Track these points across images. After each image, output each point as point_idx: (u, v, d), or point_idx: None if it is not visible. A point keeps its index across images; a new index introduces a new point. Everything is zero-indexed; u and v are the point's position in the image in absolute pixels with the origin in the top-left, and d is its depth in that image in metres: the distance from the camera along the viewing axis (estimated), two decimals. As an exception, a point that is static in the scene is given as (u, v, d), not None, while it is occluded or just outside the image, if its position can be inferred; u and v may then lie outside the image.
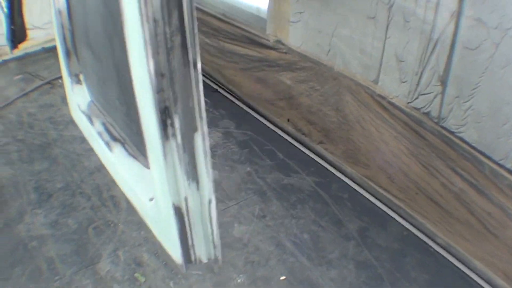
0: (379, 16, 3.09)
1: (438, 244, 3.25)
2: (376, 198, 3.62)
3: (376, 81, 3.28)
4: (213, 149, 4.27)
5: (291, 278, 3.09)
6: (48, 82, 5.23)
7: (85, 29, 1.85)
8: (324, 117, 3.86)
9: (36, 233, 3.41)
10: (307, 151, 4.18)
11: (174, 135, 1.31)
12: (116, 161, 1.90)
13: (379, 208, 3.58)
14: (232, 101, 4.98)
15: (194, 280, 3.09)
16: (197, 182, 1.42)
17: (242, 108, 4.85)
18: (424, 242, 3.31)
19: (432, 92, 2.92)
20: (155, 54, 1.18)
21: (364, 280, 3.08)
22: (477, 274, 3.05)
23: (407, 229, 3.40)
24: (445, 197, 3.05)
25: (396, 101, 3.18)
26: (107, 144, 1.94)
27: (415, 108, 3.07)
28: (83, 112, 2.07)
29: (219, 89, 5.16)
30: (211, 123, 4.61)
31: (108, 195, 3.69)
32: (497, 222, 2.78)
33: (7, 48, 4.62)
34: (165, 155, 1.34)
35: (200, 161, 1.40)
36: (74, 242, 3.35)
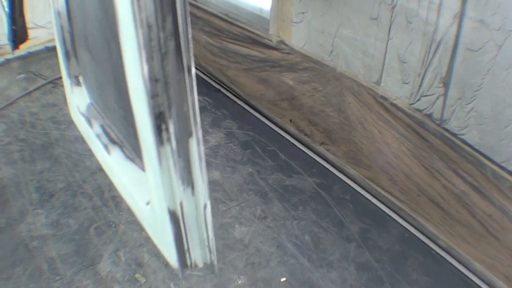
0: (381, 17, 3.08)
1: (439, 246, 3.24)
2: (378, 199, 3.61)
3: (378, 82, 3.27)
4: (215, 149, 4.28)
5: (291, 280, 3.09)
6: (51, 82, 5.24)
7: (84, 31, 1.85)
8: (327, 118, 3.85)
9: (37, 233, 3.41)
10: (309, 152, 4.18)
11: (169, 140, 1.31)
12: (114, 164, 1.90)
13: (381, 209, 3.57)
14: (234, 101, 4.97)
15: (195, 281, 3.08)
16: (192, 187, 1.42)
17: (245, 109, 4.85)
18: (426, 244, 3.30)
19: (434, 94, 2.91)
20: (149, 59, 1.18)
21: (365, 282, 3.08)
22: (477, 276, 3.05)
23: (409, 231, 3.40)
24: (446, 199, 3.05)
25: (398, 102, 3.17)
26: (105, 146, 1.94)
27: (417, 110, 3.06)
28: (82, 114, 2.07)
29: (222, 89, 5.15)
30: (214, 123, 4.62)
31: (109, 195, 3.69)
32: (498, 224, 2.78)
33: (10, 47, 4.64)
34: (160, 160, 1.34)
35: (195, 166, 1.39)
36: (75, 242, 3.35)
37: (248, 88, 4.76)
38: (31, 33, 4.66)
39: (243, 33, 4.46)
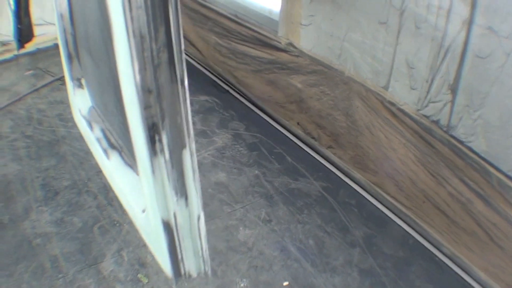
0: (390, 22, 3.08)
1: (443, 253, 3.24)
2: (383, 205, 3.61)
3: (386, 87, 3.27)
4: (222, 150, 4.29)
5: (294, 284, 3.09)
6: (59, 79, 5.26)
7: (85, 34, 1.86)
8: (334, 122, 3.85)
9: (41, 231, 3.42)
10: (316, 155, 4.18)
11: (162, 151, 1.32)
12: (112, 169, 1.91)
13: (386, 215, 3.57)
14: (242, 102, 4.98)
15: (197, 283, 3.09)
16: (186, 198, 1.43)
17: (253, 110, 4.86)
18: (430, 251, 3.30)
19: (442, 100, 2.91)
20: (142, 69, 1.18)
21: (368, 288, 3.09)
22: (481, 285, 3.04)
23: (413, 237, 3.39)
24: (452, 207, 3.04)
25: (405, 108, 3.17)
26: (105, 151, 1.95)
27: (425, 116, 3.05)
28: (84, 117, 2.08)
29: (230, 90, 5.17)
30: (221, 124, 4.63)
31: (114, 194, 3.68)
32: (502, 233, 2.77)
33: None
34: (153, 170, 1.34)
35: (189, 178, 1.40)
36: (79, 241, 3.36)
37: (256, 90, 4.77)
38: (40, 29, 4.70)
39: (252, 34, 4.47)
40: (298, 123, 4.33)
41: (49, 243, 3.33)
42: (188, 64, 5.76)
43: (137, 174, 1.65)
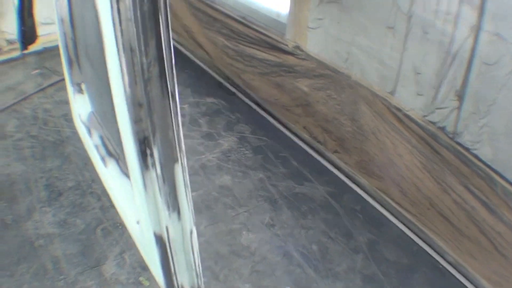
0: (398, 26, 3.07)
1: (447, 261, 3.22)
2: (388, 211, 3.60)
3: (392, 93, 3.26)
4: (227, 153, 4.29)
5: (296, 290, 3.09)
6: (65, 79, 5.27)
7: (85, 39, 1.85)
8: (340, 126, 3.85)
9: (44, 232, 3.43)
10: (321, 160, 4.17)
11: (154, 165, 1.32)
12: (109, 177, 1.90)
13: (391, 221, 3.55)
14: (249, 105, 4.98)
15: (198, 288, 3.09)
16: (178, 213, 1.43)
17: (259, 113, 4.85)
18: (434, 258, 3.28)
19: (448, 107, 2.90)
20: (133, 83, 1.17)
21: (370, 295, 3.08)
22: (484, 293, 3.04)
23: (417, 244, 3.38)
24: (456, 214, 3.03)
25: (412, 114, 3.16)
26: (103, 158, 1.95)
27: (431, 122, 3.04)
28: (83, 123, 2.08)
29: (237, 93, 5.17)
30: (227, 127, 4.63)
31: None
32: (506, 242, 2.75)
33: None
34: (145, 184, 1.34)
35: (181, 193, 1.40)
36: (81, 243, 3.36)
37: (263, 93, 4.77)
38: (48, 28, 4.70)
39: (259, 37, 4.47)
40: (304, 127, 4.33)
41: (52, 244, 3.34)
42: (196, 66, 5.78)
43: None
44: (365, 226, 3.51)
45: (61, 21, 1.83)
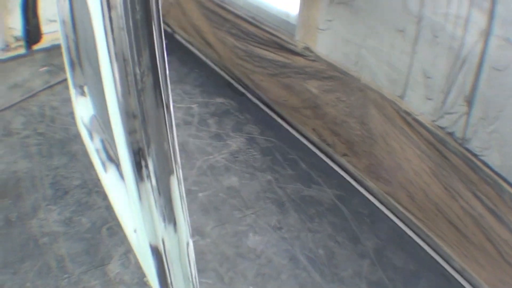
0: (408, 30, 3.08)
1: (453, 267, 3.23)
2: (396, 216, 3.61)
3: (402, 96, 3.27)
4: (235, 154, 4.30)
5: (301, 294, 3.11)
6: (74, 76, 5.30)
7: (85, 42, 1.86)
8: (349, 129, 3.86)
9: (49, 230, 3.45)
10: (330, 163, 4.18)
11: (149, 177, 1.31)
12: (109, 183, 1.91)
13: (398, 226, 3.56)
14: (258, 106, 4.99)
15: (204, 291, 3.12)
16: (175, 225, 1.43)
17: (268, 114, 4.87)
18: (440, 264, 3.29)
19: (457, 112, 2.91)
20: (126, 94, 1.17)
21: (376, 301, 3.09)
22: (489, 300, 3.04)
23: (424, 250, 3.39)
24: (463, 221, 3.04)
25: (421, 118, 3.17)
26: (103, 163, 1.95)
27: (440, 127, 3.06)
28: (85, 126, 2.09)
29: (247, 93, 5.18)
30: (236, 128, 4.64)
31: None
32: (512, 250, 2.77)
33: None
34: (140, 196, 1.34)
35: (177, 205, 1.40)
36: (86, 242, 3.39)
37: (272, 94, 4.78)
38: (56, 26, 4.73)
39: (269, 37, 4.48)
40: (313, 129, 4.34)
41: (56, 242, 3.36)
42: (205, 66, 5.79)
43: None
44: (372, 231, 3.53)
45: (63, 23, 1.85)
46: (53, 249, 3.32)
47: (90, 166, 3.93)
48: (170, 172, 1.33)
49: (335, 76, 3.82)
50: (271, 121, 4.78)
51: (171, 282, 1.53)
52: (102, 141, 2.02)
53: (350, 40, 3.57)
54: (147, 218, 1.39)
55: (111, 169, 1.95)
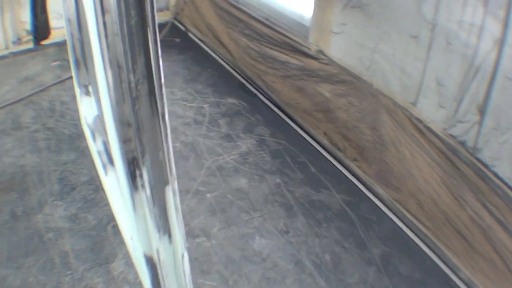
0: (422, 36, 3.09)
1: (460, 278, 3.22)
2: (404, 223, 3.60)
3: (414, 103, 3.28)
4: (245, 156, 4.31)
5: (305, 300, 3.12)
6: (85, 71, 5.32)
7: (90, 42, 1.86)
8: (360, 135, 3.86)
9: (54, 225, 3.48)
10: (340, 167, 4.19)
11: (143, 187, 1.29)
12: (109, 186, 1.91)
13: (406, 234, 3.56)
14: (270, 107, 5.00)
15: (207, 292, 3.13)
16: (169, 236, 1.42)
17: (279, 116, 4.88)
18: (446, 274, 3.29)
19: (469, 121, 2.90)
20: (120, 101, 1.15)
21: (381, 309, 3.09)
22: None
23: (431, 259, 3.39)
24: (472, 231, 3.03)
25: (433, 126, 3.17)
26: (104, 166, 1.94)
27: (452, 136, 3.05)
28: (88, 126, 2.08)
29: (259, 94, 5.19)
30: (246, 129, 4.66)
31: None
32: (520, 264, 2.77)
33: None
34: (134, 206, 1.33)
35: (172, 217, 1.39)
36: (91, 239, 3.41)
37: (284, 96, 4.79)
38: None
39: (282, 39, 4.49)
40: (324, 133, 4.35)
41: (61, 238, 3.39)
42: (218, 65, 5.81)
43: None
44: (380, 238, 3.53)
45: (68, 21, 1.84)
46: (58, 245, 3.34)
47: (98, 163, 3.96)
48: (166, 183, 1.32)
49: (347, 81, 3.83)
50: (282, 123, 4.79)
51: None
52: (104, 143, 2.01)
53: (364, 44, 3.57)
54: (142, 227, 1.38)
55: (112, 172, 1.94)
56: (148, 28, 1.08)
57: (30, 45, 5.64)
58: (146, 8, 1.06)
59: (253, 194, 3.90)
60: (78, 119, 4.47)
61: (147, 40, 1.09)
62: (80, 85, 2.09)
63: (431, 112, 3.17)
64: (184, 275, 1.51)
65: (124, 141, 1.20)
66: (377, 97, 3.57)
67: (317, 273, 3.26)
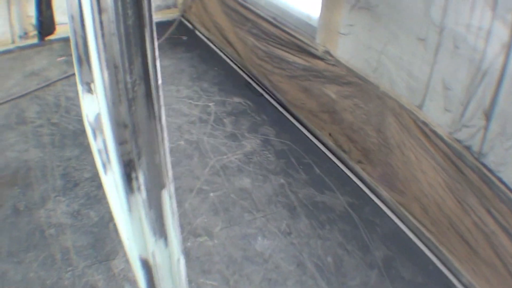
0: (429, 39, 3.08)
1: (462, 283, 3.21)
2: (408, 227, 3.60)
3: (420, 106, 3.27)
4: (249, 155, 4.32)
5: (306, 301, 3.11)
6: (91, 67, 5.33)
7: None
8: (365, 137, 3.86)
9: (56, 221, 3.49)
10: (344, 169, 4.18)
11: (139, 189, 1.29)
12: (108, 185, 1.90)
13: (409, 237, 3.55)
14: (275, 107, 5.01)
15: (208, 292, 3.13)
16: (165, 239, 1.41)
17: (285, 116, 4.88)
18: (448, 279, 3.28)
19: (475, 126, 2.90)
20: (117, 102, 1.14)
21: (382, 313, 3.09)
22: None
23: (433, 263, 3.37)
24: (475, 236, 3.03)
25: (438, 130, 3.17)
26: (104, 165, 1.94)
27: (457, 140, 3.05)
28: (90, 124, 2.08)
29: (264, 94, 5.20)
30: (251, 128, 4.66)
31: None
32: (522, 270, 2.76)
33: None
34: (130, 208, 1.32)
35: (168, 221, 1.38)
36: (93, 235, 3.42)
37: (290, 96, 4.80)
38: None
39: (289, 39, 4.50)
40: (330, 134, 4.35)
41: (63, 234, 3.40)
42: (225, 64, 5.82)
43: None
44: (382, 241, 3.52)
45: (72, 18, 1.85)
46: (59, 241, 3.35)
47: (102, 159, 3.96)
48: (162, 186, 1.32)
49: (354, 82, 3.83)
50: (287, 124, 4.79)
51: None
52: (104, 142, 2.00)
53: (371, 46, 3.57)
54: (137, 230, 1.37)
55: (111, 172, 1.93)
56: (145, 28, 1.07)
57: (35, 40, 5.65)
58: (144, 8, 1.05)
59: (257, 194, 3.90)
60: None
61: (144, 40, 1.08)
62: (82, 83, 2.10)
63: (437, 115, 3.17)
64: (180, 279, 1.50)
65: (120, 142, 1.20)
66: (383, 100, 3.57)
67: (319, 275, 3.25)
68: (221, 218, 3.63)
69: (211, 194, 3.84)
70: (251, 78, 5.44)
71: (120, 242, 3.29)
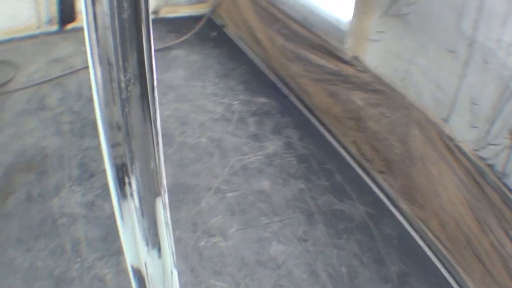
0: (459, 51, 3.08)
1: (475, 305, 3.22)
2: (425, 242, 3.59)
3: (446, 120, 3.27)
4: (271, 157, 4.33)
5: (315, 311, 3.12)
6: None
7: None
8: (389, 147, 3.86)
9: (69, 211, 3.54)
10: (366, 178, 4.18)
11: (132, 196, 1.25)
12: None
13: (425, 253, 3.54)
14: (300, 110, 5.02)
15: (217, 292, 3.15)
16: (159, 250, 1.37)
17: (309, 119, 4.89)
18: (462, 300, 3.27)
19: (500, 144, 2.89)
20: (110, 102, 1.10)
21: (392, 329, 3.09)
22: None
23: (448, 282, 3.36)
24: (492, 259, 3.02)
25: (463, 145, 3.16)
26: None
27: (481, 158, 3.04)
28: None
29: (290, 95, 5.21)
30: (275, 130, 4.67)
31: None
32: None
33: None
34: (122, 215, 1.29)
35: (161, 231, 1.35)
36: (105, 228, 3.45)
37: (316, 100, 4.80)
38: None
39: (318, 41, 4.51)
40: (353, 142, 4.35)
41: (75, 225, 3.44)
42: (252, 63, 5.84)
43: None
44: (398, 255, 3.51)
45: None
46: (71, 231, 3.39)
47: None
48: (156, 194, 1.28)
49: (381, 90, 3.83)
50: (311, 127, 4.80)
51: None
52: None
53: (400, 54, 3.57)
54: (130, 238, 1.34)
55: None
56: (142, 23, 1.03)
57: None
58: (140, 1, 1.00)
59: (275, 197, 3.91)
60: (105, 106, 4.56)
61: (141, 36, 1.04)
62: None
63: (462, 130, 3.16)
64: None
65: (113, 145, 1.16)
66: (409, 110, 3.57)
67: (331, 285, 3.25)
68: (237, 219, 3.65)
69: (229, 194, 3.86)
70: (277, 78, 5.45)
71: (132, 237, 3.32)
